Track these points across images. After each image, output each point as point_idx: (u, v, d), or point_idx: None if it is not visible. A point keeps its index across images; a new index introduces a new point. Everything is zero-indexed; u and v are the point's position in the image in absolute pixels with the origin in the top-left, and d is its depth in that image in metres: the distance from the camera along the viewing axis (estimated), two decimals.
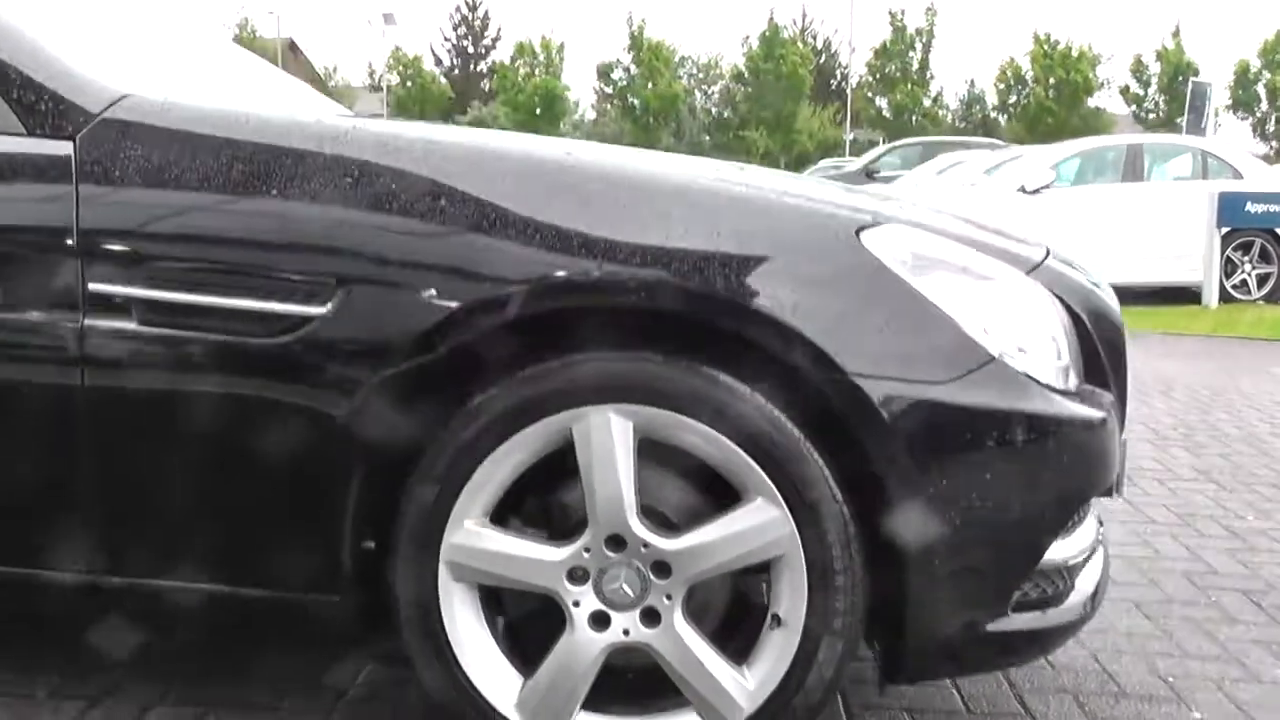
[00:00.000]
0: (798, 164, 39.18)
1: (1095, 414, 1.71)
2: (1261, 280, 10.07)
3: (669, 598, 1.67)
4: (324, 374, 1.64)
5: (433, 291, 1.61)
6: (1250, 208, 9.34)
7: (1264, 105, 42.63)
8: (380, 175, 1.68)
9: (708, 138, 47.32)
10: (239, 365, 1.65)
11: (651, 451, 1.66)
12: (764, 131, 44.98)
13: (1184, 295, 9.93)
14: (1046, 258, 1.91)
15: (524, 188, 1.68)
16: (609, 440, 1.62)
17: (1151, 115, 45.20)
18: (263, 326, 1.64)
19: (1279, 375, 6.57)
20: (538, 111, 43.05)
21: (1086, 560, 1.84)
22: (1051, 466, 1.68)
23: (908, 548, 1.62)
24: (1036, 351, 1.71)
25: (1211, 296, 9.57)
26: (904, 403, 1.60)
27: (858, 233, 1.68)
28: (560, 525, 1.71)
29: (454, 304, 1.61)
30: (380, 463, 1.66)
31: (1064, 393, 1.70)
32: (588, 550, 1.67)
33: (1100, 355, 1.87)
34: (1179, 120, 27.20)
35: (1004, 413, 1.63)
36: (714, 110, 50.50)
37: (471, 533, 1.67)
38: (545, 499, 1.73)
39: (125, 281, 1.67)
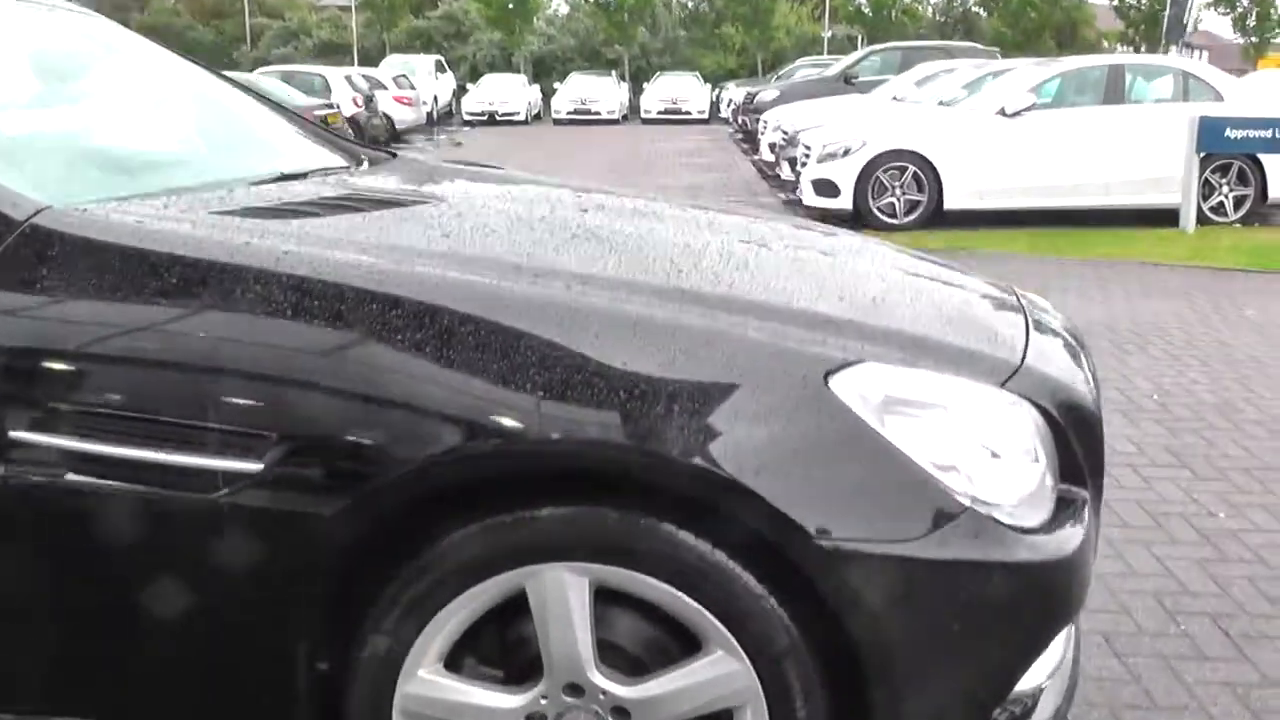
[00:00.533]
0: (775, 61, 38.45)
1: (1066, 549, 1.67)
2: (1239, 202, 10.00)
3: None
4: (260, 533, 1.56)
5: (380, 448, 1.53)
6: (1230, 133, 9.22)
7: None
8: (328, 310, 1.58)
9: (684, 33, 46.31)
10: (169, 523, 1.57)
11: (611, 592, 1.61)
12: (740, 28, 44.03)
13: (1162, 217, 9.87)
14: (1024, 358, 1.83)
15: (467, 332, 1.58)
16: (564, 599, 1.57)
17: (1133, 9, 44.44)
18: (195, 482, 1.55)
19: (1254, 320, 6.54)
20: (510, 6, 41.87)
21: (1052, 678, 1.81)
22: (1023, 608, 1.65)
23: (875, 694, 1.59)
24: (1010, 486, 1.65)
25: (1189, 221, 9.51)
26: (873, 563, 1.55)
27: (826, 377, 1.60)
28: (517, 665, 1.66)
29: (401, 462, 1.53)
30: (330, 614, 1.60)
31: (1038, 529, 1.65)
32: (545, 698, 1.63)
33: (1076, 451, 1.82)
34: (1162, 13, 26.72)
35: (975, 564, 1.59)
36: (690, 5, 49.37)
37: (426, 682, 1.62)
38: (501, 636, 1.67)
39: (47, 429, 1.58)
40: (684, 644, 1.63)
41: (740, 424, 1.55)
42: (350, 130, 18.63)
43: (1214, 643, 2.77)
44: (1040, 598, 1.67)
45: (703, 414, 1.54)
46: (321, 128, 2.98)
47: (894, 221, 10.04)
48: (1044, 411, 1.77)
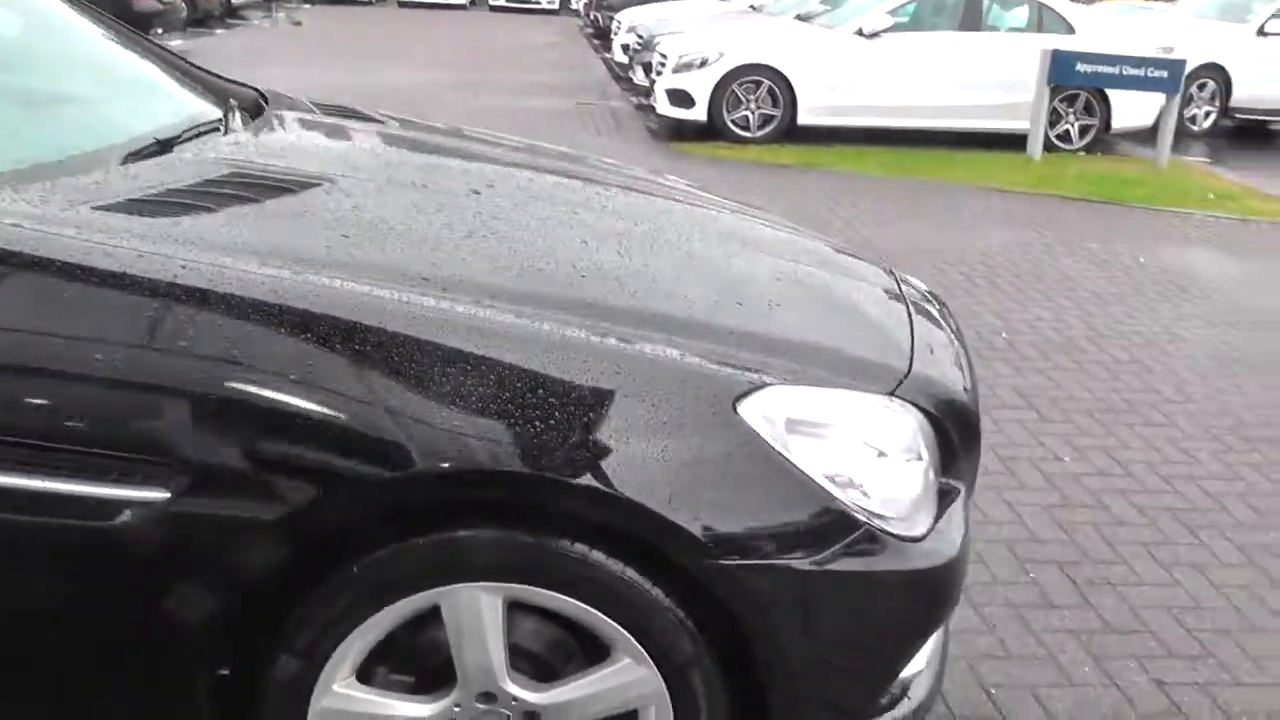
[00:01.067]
0: None
1: (950, 552, 1.79)
2: (1084, 131, 10.44)
3: None
4: (165, 562, 1.55)
5: (284, 480, 1.53)
6: (1080, 67, 9.57)
7: None
8: (232, 328, 1.55)
9: None
10: (69, 552, 1.54)
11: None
12: None
13: (1010, 142, 10.22)
14: (911, 363, 1.93)
15: (374, 352, 1.57)
16: (478, 616, 1.61)
17: None
18: (96, 510, 1.52)
19: (1096, 253, 6.88)
20: None
21: (929, 661, 1.95)
22: (911, 607, 1.77)
23: (772, 695, 1.69)
24: (900, 497, 1.75)
25: (1037, 148, 9.86)
26: (775, 578, 1.63)
27: (734, 403, 1.65)
28: (427, 673, 1.70)
29: (309, 491, 1.53)
30: (235, 638, 1.61)
31: (926, 536, 1.76)
32: (458, 706, 1.68)
33: (955, 447, 1.94)
34: None
35: (870, 575, 1.69)
36: None
37: (340, 695, 1.65)
38: (409, 645, 1.70)
39: None
40: (590, 648, 1.69)
41: (648, 447, 1.59)
42: (185, 8, 17.62)
43: (1061, 591, 2.99)
44: (927, 597, 1.79)
45: (611, 438, 1.58)
46: (182, 63, 2.80)
47: (747, 135, 10.15)
48: (927, 414, 1.87)
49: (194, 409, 1.52)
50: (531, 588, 1.61)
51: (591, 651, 1.70)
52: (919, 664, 1.89)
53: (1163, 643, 2.78)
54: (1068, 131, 10.40)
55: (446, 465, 1.53)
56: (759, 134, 10.14)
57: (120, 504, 1.51)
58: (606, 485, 1.56)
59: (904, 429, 1.82)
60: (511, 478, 1.54)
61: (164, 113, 2.38)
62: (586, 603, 1.61)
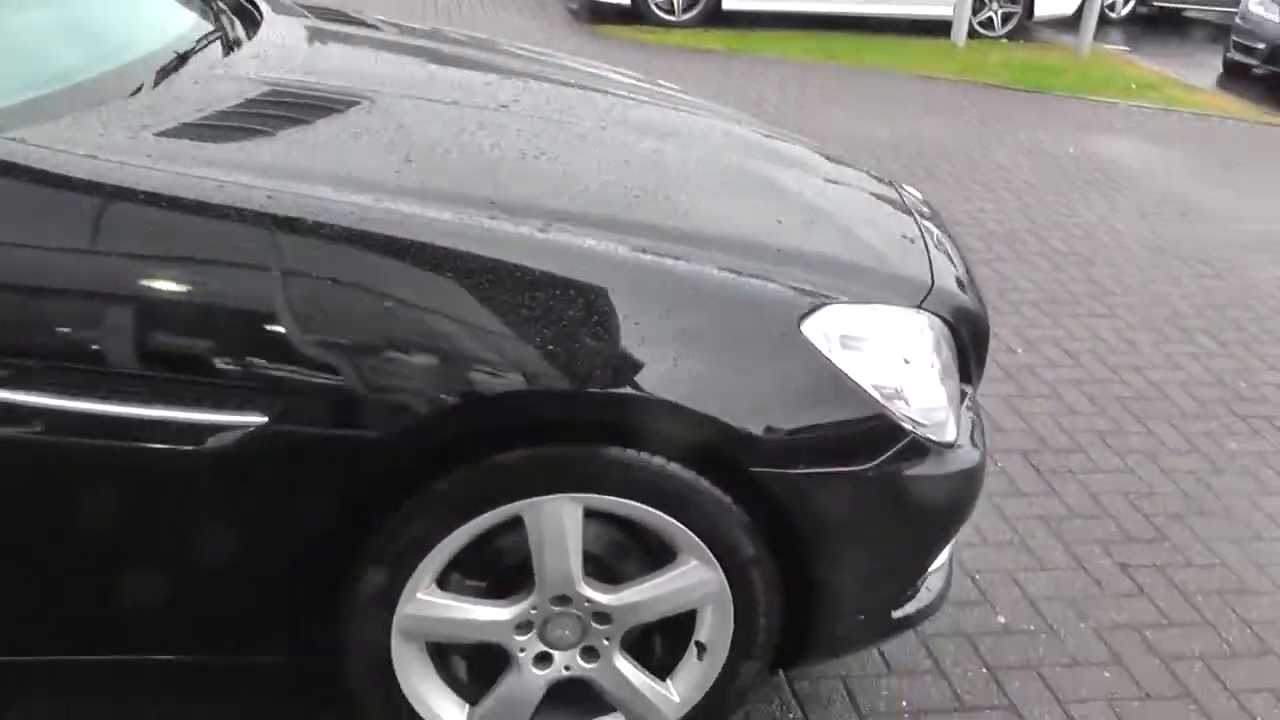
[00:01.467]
0: None
1: (977, 456, 1.92)
2: (1006, 18, 10.55)
3: (608, 640, 1.82)
4: (260, 484, 1.60)
5: (384, 403, 1.58)
6: None
7: None
8: (324, 256, 1.58)
9: None
10: (161, 479, 1.58)
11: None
12: None
13: (932, 28, 10.30)
14: (933, 276, 2.03)
15: (457, 281, 1.61)
16: (560, 525, 1.69)
17: None
18: (191, 435, 1.56)
19: (1026, 143, 7.05)
20: None
21: (944, 560, 2.11)
22: (945, 508, 1.91)
23: (822, 587, 1.83)
24: (936, 405, 1.87)
25: (960, 35, 9.96)
26: (834, 486, 1.75)
27: (799, 321, 1.74)
28: (502, 577, 1.79)
29: (409, 413, 1.59)
30: (324, 556, 1.67)
31: (957, 442, 1.89)
32: (535, 609, 1.78)
33: (969, 354, 2.06)
34: None
35: (915, 479, 1.82)
36: None
37: (423, 602, 1.73)
38: (487, 552, 1.78)
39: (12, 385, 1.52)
40: (654, 551, 1.80)
41: (721, 365, 1.69)
42: None
43: (1026, 479, 3.19)
44: (959, 497, 1.93)
45: (690, 356, 1.67)
46: None
47: (671, 19, 10.06)
48: (947, 323, 1.99)
49: (289, 335, 1.54)
50: (611, 497, 1.70)
51: (656, 555, 1.80)
52: (941, 558, 2.04)
53: (1122, 528, 2.99)
54: (990, 19, 10.50)
55: (539, 385, 1.59)
56: (684, 17, 10.04)
57: (217, 428, 1.55)
58: (687, 401, 1.65)
59: (934, 341, 1.93)
60: (600, 396, 1.62)
61: (165, 22, 2.31)
62: (661, 509, 1.71)
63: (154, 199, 1.56)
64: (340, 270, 1.58)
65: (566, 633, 1.80)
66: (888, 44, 10.00)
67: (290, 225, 1.58)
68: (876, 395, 1.78)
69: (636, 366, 1.64)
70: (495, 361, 1.59)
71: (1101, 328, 4.31)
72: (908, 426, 1.80)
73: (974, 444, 1.98)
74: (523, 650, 1.80)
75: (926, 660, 2.41)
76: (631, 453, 1.68)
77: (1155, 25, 12.97)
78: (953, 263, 2.23)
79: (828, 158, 2.63)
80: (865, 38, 10.17)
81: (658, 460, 1.69)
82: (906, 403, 1.83)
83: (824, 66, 8.99)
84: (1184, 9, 13.25)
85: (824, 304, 1.78)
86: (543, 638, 1.80)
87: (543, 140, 2.08)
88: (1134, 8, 12.68)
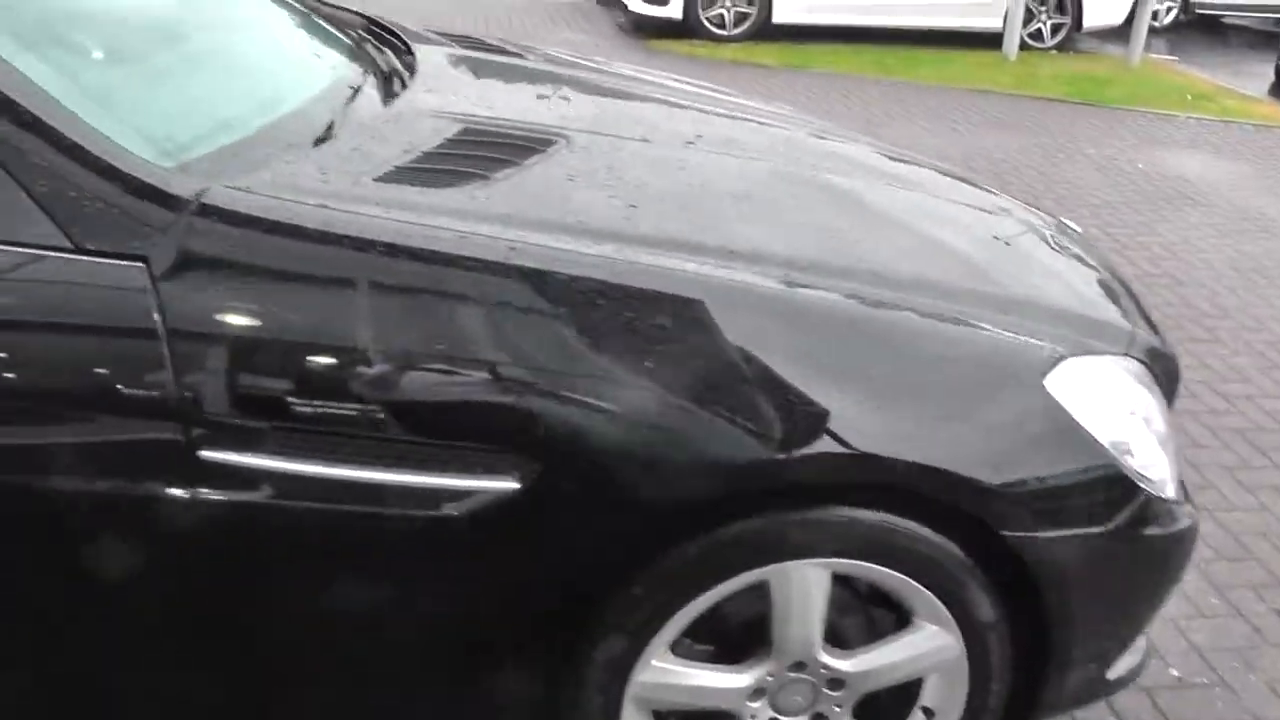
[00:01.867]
0: None
1: (1193, 512, 1.88)
2: (1055, 29, 10.49)
3: (839, 706, 1.77)
4: (507, 550, 1.55)
5: (639, 467, 1.52)
6: None
7: None
8: (581, 316, 1.52)
9: None
10: (404, 545, 1.53)
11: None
12: None
13: (979, 40, 10.24)
14: (1126, 318, 1.98)
15: (722, 336, 1.56)
16: (806, 591, 1.65)
17: None
18: (443, 501, 1.50)
19: (1095, 159, 6.99)
20: None
21: None
22: (1171, 566, 1.87)
23: (1054, 649, 1.77)
24: (1160, 460, 1.82)
25: (1012, 47, 9.90)
26: (1078, 546, 1.70)
27: (1042, 376, 1.69)
28: (734, 640, 1.74)
29: (663, 476, 1.53)
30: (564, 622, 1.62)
31: (1180, 498, 1.84)
32: (771, 675, 1.73)
33: (1165, 395, 2.01)
34: None
35: (1149, 538, 1.77)
36: None
37: (658, 669, 1.69)
38: (717, 614, 1.72)
39: (247, 448, 1.46)
40: (886, 616, 1.75)
41: (971, 424, 1.64)
42: None
43: None
44: (1182, 554, 1.88)
45: (944, 415, 1.62)
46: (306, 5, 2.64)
47: (722, 33, 10.03)
48: (1148, 367, 1.93)
49: (543, 397, 1.49)
50: (859, 561, 1.65)
51: (877, 618, 1.75)
52: None
53: (1270, 571, 2.93)
54: (1039, 30, 10.44)
55: (809, 450, 1.54)
56: (735, 32, 10.00)
57: (469, 494, 1.50)
58: (939, 462, 1.60)
59: (1148, 389, 1.88)
60: (861, 458, 1.57)
61: (321, 56, 2.27)
62: (907, 573, 1.66)
63: (394, 250, 1.51)
64: (596, 328, 1.52)
65: (798, 699, 1.75)
66: (939, 57, 9.94)
67: (540, 278, 1.53)
68: (1114, 452, 1.73)
69: (888, 426, 1.58)
70: (758, 424, 1.54)
71: (1206, 354, 4.25)
72: (1141, 485, 1.75)
73: (1186, 497, 1.92)
74: (753, 717, 1.76)
75: (1110, 717, 2.35)
76: (884, 516, 1.63)
77: (1196, 32, 12.89)
78: (1132, 300, 2.17)
79: (981, 188, 2.58)
80: (915, 50, 10.12)
81: (908, 524, 1.64)
82: (1133, 457, 1.78)
83: (881, 81, 8.94)
84: (1224, 16, 13.18)
85: (1063, 358, 1.73)
86: (774, 704, 1.76)
87: (745, 181, 2.04)
88: (1176, 16, 12.60)
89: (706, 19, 10.01)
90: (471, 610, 1.59)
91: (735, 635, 1.73)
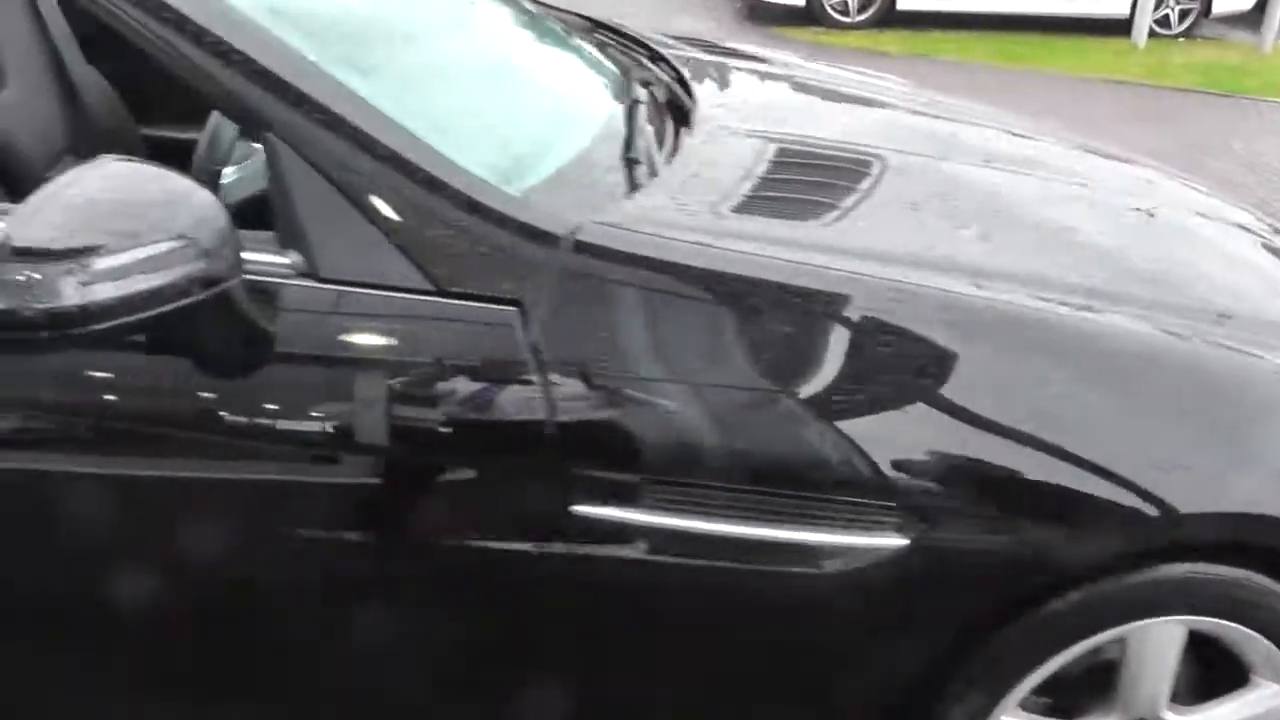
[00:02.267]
0: None
1: None
2: (1184, 15, 10.23)
3: None
4: (885, 609, 1.55)
5: (1025, 523, 1.52)
6: None
7: None
8: (971, 361, 1.51)
9: None
10: (772, 599, 1.54)
11: None
12: None
13: (1103, 27, 10.02)
14: None
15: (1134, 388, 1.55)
16: (1165, 649, 1.64)
17: None
18: (812, 558, 1.50)
19: (1243, 155, 6.82)
20: None
21: None
22: None
23: None
24: None
25: (1141, 35, 9.69)
26: None
27: None
28: (1072, 693, 1.73)
29: (1048, 532, 1.53)
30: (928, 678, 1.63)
31: None
32: None
33: None
34: None
35: None
36: None
37: None
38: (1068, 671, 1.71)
39: (626, 503, 1.46)
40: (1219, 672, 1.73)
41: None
42: None
43: None
44: None
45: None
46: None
47: (846, 20, 9.94)
48: None
49: (931, 449, 1.49)
50: (1212, 619, 1.63)
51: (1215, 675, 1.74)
52: None
53: None
54: (1167, 16, 10.19)
55: (1205, 509, 1.54)
56: (858, 19, 9.91)
57: (855, 551, 1.50)
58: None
59: None
60: (1255, 519, 1.56)
61: (597, 68, 2.25)
62: (1256, 629, 1.65)
63: (784, 291, 1.50)
64: (989, 373, 1.52)
65: None
66: (1065, 44, 9.76)
67: (930, 324, 1.52)
68: None
69: (1266, 481, 1.57)
70: (1155, 484, 1.52)
71: None
72: None
73: None
74: None
75: None
76: (1240, 572, 1.62)
77: None
78: None
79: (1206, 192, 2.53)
80: (1042, 38, 9.93)
81: (1261, 579, 1.62)
82: None
83: (1010, 70, 8.80)
84: None
85: None
86: None
87: (1058, 207, 2.02)
88: None
89: (830, 5, 9.93)
90: (840, 670, 1.60)
91: (1076, 690, 1.73)
